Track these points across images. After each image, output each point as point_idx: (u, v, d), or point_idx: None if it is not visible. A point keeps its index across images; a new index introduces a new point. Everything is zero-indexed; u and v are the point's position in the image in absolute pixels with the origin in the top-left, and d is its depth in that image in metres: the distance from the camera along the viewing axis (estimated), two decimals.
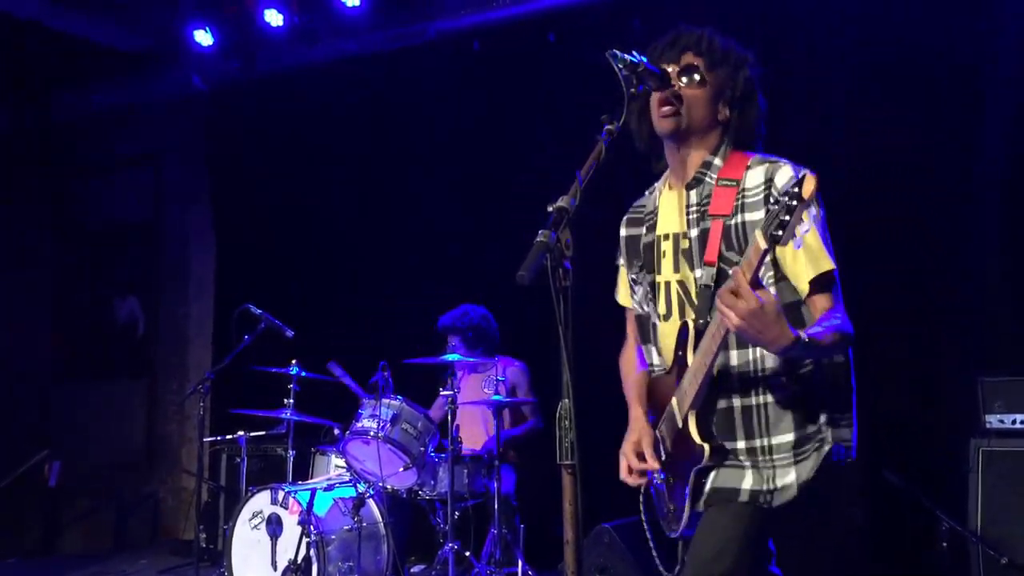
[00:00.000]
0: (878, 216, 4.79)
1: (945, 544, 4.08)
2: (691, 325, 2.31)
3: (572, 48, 5.99)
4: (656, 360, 2.52)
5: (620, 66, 2.20)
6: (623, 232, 2.62)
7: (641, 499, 2.61)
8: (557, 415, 1.94)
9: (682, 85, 2.36)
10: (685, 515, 2.32)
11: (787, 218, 1.91)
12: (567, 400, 1.93)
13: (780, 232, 1.92)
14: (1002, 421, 4.17)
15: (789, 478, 2.26)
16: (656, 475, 2.45)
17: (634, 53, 2.25)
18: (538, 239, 1.89)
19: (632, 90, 2.20)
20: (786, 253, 2.24)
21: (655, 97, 2.36)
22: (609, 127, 2.12)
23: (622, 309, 2.73)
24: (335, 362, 5.05)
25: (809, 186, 1.90)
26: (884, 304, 4.65)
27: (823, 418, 2.30)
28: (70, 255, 8.48)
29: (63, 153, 8.47)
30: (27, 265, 8.45)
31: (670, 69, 2.37)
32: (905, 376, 4.88)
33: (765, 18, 5.34)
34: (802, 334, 2.06)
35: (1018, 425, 4.13)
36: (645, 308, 2.54)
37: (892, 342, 4.73)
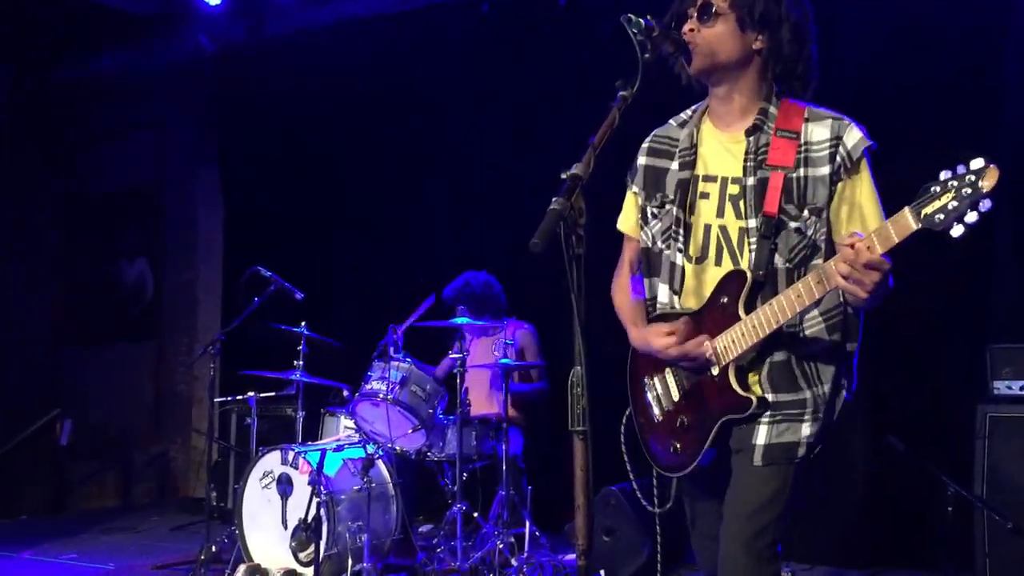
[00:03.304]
0: (893, 186, 4.77)
1: (950, 509, 4.10)
2: (749, 275, 2.27)
3: (583, 12, 5.93)
4: (664, 298, 2.44)
5: (635, 31, 2.17)
6: (643, 160, 2.55)
7: (622, 435, 2.57)
8: (569, 382, 1.94)
9: (703, 27, 2.32)
10: (698, 458, 2.33)
11: (956, 204, 1.91)
12: (579, 367, 1.92)
13: (941, 216, 1.94)
14: (1010, 387, 4.21)
15: (826, 422, 2.30)
16: (656, 414, 2.44)
17: (648, 17, 2.23)
18: (551, 207, 1.87)
19: (647, 55, 2.17)
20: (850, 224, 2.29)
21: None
22: (623, 93, 2.09)
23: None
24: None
25: (992, 180, 1.90)
26: (893, 271, 4.63)
27: (844, 366, 2.33)
28: (78, 219, 8.49)
29: (70, 117, 8.44)
30: (36, 230, 8.47)
31: (690, 11, 2.34)
32: (913, 342, 4.88)
33: None
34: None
35: None
36: (659, 243, 2.46)
37: (900, 309, 4.70)
